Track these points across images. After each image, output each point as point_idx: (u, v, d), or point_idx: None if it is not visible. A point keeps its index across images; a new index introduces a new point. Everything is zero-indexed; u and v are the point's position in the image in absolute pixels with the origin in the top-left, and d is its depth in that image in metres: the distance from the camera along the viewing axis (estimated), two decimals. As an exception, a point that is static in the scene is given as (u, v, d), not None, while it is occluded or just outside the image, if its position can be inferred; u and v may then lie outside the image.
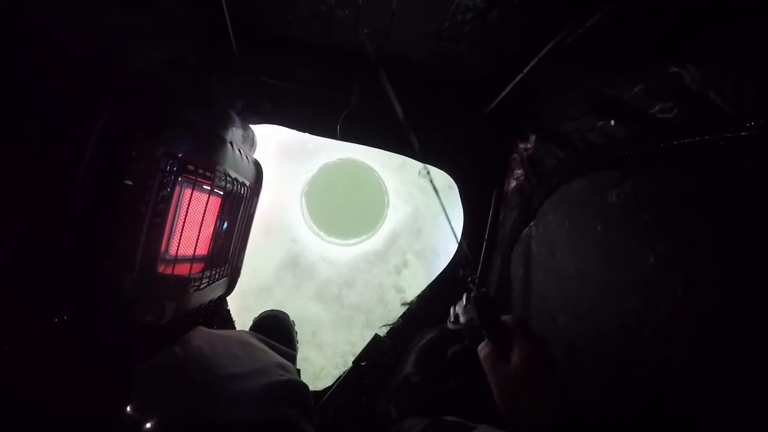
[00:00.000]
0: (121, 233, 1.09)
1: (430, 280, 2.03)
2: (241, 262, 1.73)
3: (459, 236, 2.06)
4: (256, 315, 2.00)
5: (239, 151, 1.47)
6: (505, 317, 0.87)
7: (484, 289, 0.93)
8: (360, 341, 2.10)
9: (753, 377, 0.77)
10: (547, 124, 1.58)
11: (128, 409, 0.96)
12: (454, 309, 1.02)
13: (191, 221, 1.24)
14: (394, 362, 1.86)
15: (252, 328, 1.91)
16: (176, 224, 1.18)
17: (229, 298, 1.81)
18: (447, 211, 1.26)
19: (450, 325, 1.02)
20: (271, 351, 1.35)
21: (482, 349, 0.86)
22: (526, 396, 0.77)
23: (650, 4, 1.03)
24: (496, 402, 0.81)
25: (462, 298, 1.00)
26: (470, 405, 1.54)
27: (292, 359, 1.56)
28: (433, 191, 1.29)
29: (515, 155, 1.80)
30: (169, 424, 0.96)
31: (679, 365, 0.92)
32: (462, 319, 0.98)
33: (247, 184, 1.54)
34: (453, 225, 1.33)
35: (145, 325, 1.15)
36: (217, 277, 1.46)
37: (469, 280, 0.97)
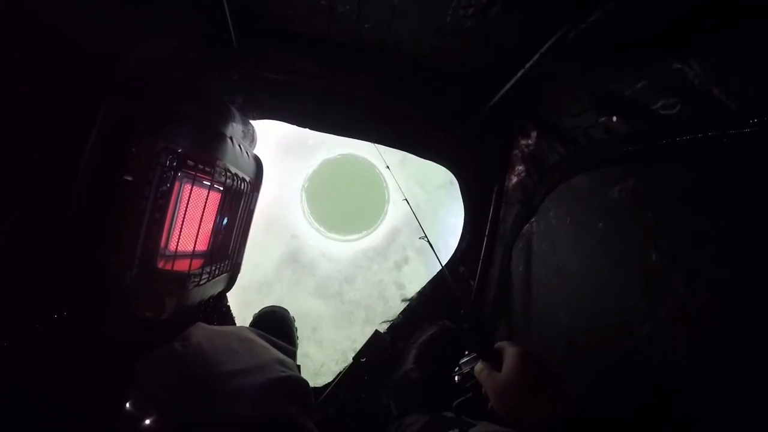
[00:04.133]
0: (121, 229, 1.09)
1: (431, 277, 2.03)
2: (242, 257, 1.72)
3: (460, 230, 2.06)
4: (256, 311, 2.01)
5: (239, 146, 1.47)
6: (499, 344, 0.97)
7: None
8: (360, 337, 2.10)
9: (755, 375, 0.77)
10: (548, 119, 1.57)
11: (128, 405, 0.96)
12: (460, 368, 1.08)
13: (191, 217, 1.23)
14: (395, 358, 1.87)
15: (252, 324, 1.91)
16: (176, 220, 1.18)
17: (229, 294, 1.81)
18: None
19: (457, 380, 1.08)
20: (271, 347, 1.35)
21: (478, 366, 0.96)
22: (520, 396, 0.84)
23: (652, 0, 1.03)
24: (496, 408, 0.88)
25: (465, 353, 1.09)
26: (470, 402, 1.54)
27: (293, 355, 1.56)
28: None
29: (516, 151, 1.79)
30: (169, 420, 0.97)
31: (680, 363, 0.92)
32: (465, 370, 1.06)
33: (247, 179, 1.54)
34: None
35: (144, 321, 1.15)
36: (217, 272, 1.45)
37: (462, 312, 1.09)
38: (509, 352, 0.91)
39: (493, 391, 0.89)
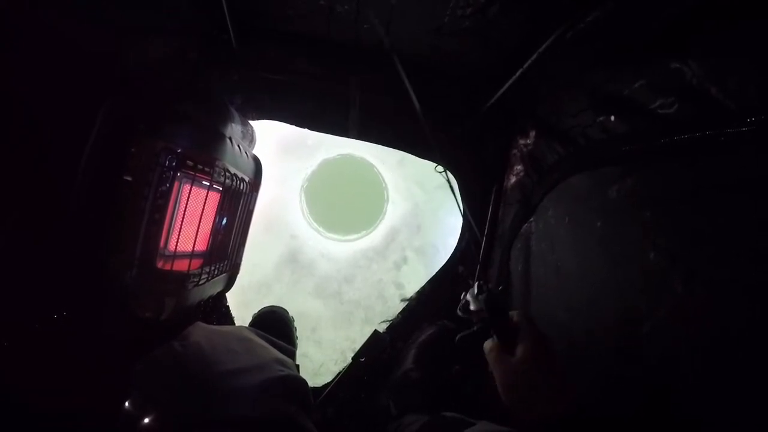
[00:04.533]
0: (120, 229, 1.09)
1: (430, 276, 2.03)
2: (241, 257, 1.73)
3: (459, 230, 2.06)
4: (256, 311, 2.00)
5: (238, 146, 1.47)
6: (512, 313, 0.92)
7: (500, 287, 0.95)
8: (359, 337, 2.10)
9: (755, 375, 0.77)
10: (547, 119, 1.57)
11: (127, 404, 0.96)
12: (465, 296, 1.04)
13: (190, 217, 1.23)
14: (394, 358, 1.87)
15: (251, 324, 1.91)
16: (175, 220, 1.18)
17: (228, 294, 1.81)
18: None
19: (459, 312, 1.04)
20: (270, 347, 1.35)
21: (487, 343, 0.90)
22: (529, 388, 0.80)
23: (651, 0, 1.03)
24: (500, 394, 0.84)
25: (473, 286, 1.03)
26: (470, 401, 1.54)
27: (292, 355, 1.56)
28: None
29: (515, 151, 1.80)
30: (168, 419, 0.97)
31: (680, 362, 0.92)
32: (473, 307, 1.00)
33: (247, 179, 1.54)
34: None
35: (144, 321, 1.15)
36: (216, 272, 1.45)
37: (479, 280, 1.01)
38: (527, 335, 0.86)
39: (501, 376, 0.85)
